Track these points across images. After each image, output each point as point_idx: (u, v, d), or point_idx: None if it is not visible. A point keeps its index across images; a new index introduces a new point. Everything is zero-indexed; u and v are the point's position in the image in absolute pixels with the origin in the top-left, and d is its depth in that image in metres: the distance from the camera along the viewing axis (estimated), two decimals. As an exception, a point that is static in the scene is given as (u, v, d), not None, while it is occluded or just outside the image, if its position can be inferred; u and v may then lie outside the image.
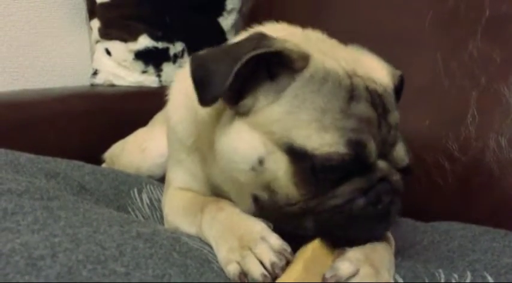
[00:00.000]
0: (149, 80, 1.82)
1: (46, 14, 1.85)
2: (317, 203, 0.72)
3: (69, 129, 1.53)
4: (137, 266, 0.65)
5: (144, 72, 1.82)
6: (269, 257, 0.68)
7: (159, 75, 1.82)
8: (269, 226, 0.76)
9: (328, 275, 0.68)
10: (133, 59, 1.81)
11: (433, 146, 1.23)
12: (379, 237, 0.77)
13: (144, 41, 1.80)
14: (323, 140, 0.69)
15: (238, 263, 0.69)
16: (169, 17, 1.81)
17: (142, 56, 1.80)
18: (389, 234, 0.91)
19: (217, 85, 0.71)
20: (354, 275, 0.68)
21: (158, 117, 1.51)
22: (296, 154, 0.71)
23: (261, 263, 0.68)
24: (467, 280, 0.78)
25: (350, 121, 0.70)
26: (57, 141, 1.47)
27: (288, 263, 0.70)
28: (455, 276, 0.79)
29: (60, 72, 1.90)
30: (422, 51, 1.28)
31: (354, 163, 0.70)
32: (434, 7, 1.32)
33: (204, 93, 0.73)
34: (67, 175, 1.00)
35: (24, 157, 1.00)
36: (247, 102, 0.76)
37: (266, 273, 0.67)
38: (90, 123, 1.58)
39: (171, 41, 1.82)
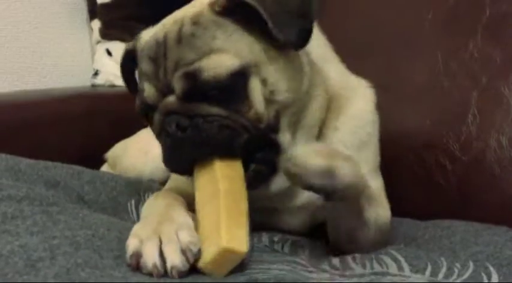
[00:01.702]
0: (150, 80, 1.82)
1: (47, 14, 1.85)
2: None
3: (70, 130, 1.53)
4: (134, 274, 0.66)
5: (144, 72, 1.81)
6: (172, 257, 0.68)
7: (159, 76, 1.82)
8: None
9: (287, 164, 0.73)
10: (134, 60, 1.80)
11: (434, 146, 1.23)
12: (197, 153, 0.82)
13: (144, 42, 1.79)
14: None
15: (141, 241, 0.69)
16: (169, 18, 1.81)
17: (143, 56, 1.80)
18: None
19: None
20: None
21: None
22: None
23: (164, 258, 0.68)
24: (470, 270, 0.78)
25: (141, 80, 0.87)
26: (58, 141, 1.47)
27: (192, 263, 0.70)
28: (458, 265, 0.79)
29: (61, 73, 1.90)
30: (422, 51, 1.28)
31: (146, 108, 0.87)
32: (434, 7, 1.31)
33: None
34: (67, 185, 1.01)
35: (24, 163, 1.01)
36: None
37: (159, 266, 0.67)
38: (91, 123, 1.59)
39: (172, 41, 1.82)
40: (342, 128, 0.95)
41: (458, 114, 1.23)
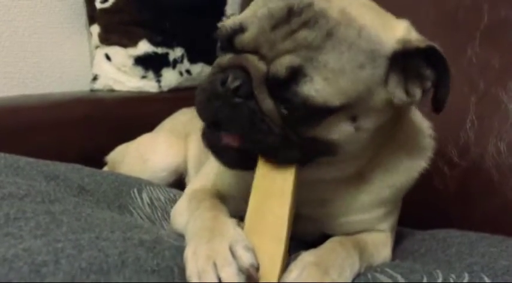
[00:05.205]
0: (149, 85, 1.82)
1: (46, 19, 1.85)
2: None
3: (69, 134, 1.53)
4: (139, 277, 0.66)
5: (143, 77, 1.82)
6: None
7: (158, 81, 1.82)
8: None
9: None
10: (133, 64, 1.81)
11: (433, 151, 1.24)
12: (224, 121, 0.77)
13: (143, 46, 1.80)
14: None
15: (199, 273, 0.68)
16: (169, 23, 1.81)
17: (142, 61, 1.80)
18: (366, 239, 0.92)
19: None
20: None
21: (166, 125, 1.49)
22: None
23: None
24: (465, 280, 0.79)
25: (250, 19, 0.77)
26: (57, 146, 1.47)
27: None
28: (453, 276, 0.79)
29: (60, 78, 1.90)
30: (421, 56, 1.29)
31: (228, 42, 0.78)
32: (433, 13, 1.32)
33: None
34: (67, 178, 1.00)
35: (23, 160, 1.01)
36: None
37: None
38: (90, 128, 1.58)
39: (171, 46, 1.82)
40: (382, 185, 0.94)
41: (457, 119, 1.23)
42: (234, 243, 0.70)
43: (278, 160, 0.79)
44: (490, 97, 1.22)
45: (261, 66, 0.75)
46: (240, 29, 0.77)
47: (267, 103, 0.75)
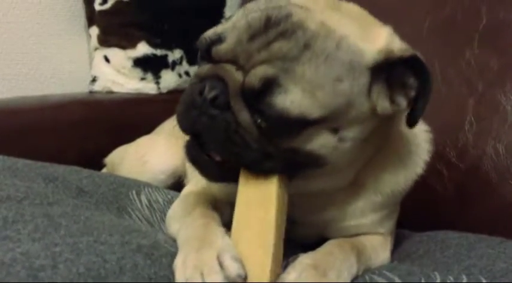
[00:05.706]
0: (148, 87, 1.83)
1: (45, 21, 1.85)
2: None
3: (67, 136, 1.53)
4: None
5: (142, 79, 1.82)
6: None
7: (157, 82, 1.82)
8: None
9: None
10: (132, 66, 1.81)
11: (431, 153, 1.24)
12: (202, 132, 0.78)
13: (142, 48, 1.80)
14: None
15: (187, 279, 0.68)
16: (168, 25, 1.82)
17: (140, 63, 1.81)
18: (365, 241, 0.92)
19: None
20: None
21: (165, 127, 1.49)
22: None
23: None
24: (463, 282, 0.79)
25: (230, 29, 0.77)
26: (56, 147, 1.47)
27: None
28: (451, 278, 0.79)
29: (59, 79, 1.90)
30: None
31: (207, 52, 0.78)
32: (431, 15, 1.32)
33: None
34: (65, 179, 1.00)
35: (21, 162, 1.01)
36: None
37: None
38: (88, 130, 1.59)
39: (170, 48, 1.82)
40: (375, 191, 0.94)
41: (455, 121, 1.23)
42: (221, 253, 0.70)
43: (259, 172, 0.78)
44: (488, 98, 1.22)
45: (238, 76, 0.75)
46: (218, 40, 0.77)
47: (243, 114, 0.75)
